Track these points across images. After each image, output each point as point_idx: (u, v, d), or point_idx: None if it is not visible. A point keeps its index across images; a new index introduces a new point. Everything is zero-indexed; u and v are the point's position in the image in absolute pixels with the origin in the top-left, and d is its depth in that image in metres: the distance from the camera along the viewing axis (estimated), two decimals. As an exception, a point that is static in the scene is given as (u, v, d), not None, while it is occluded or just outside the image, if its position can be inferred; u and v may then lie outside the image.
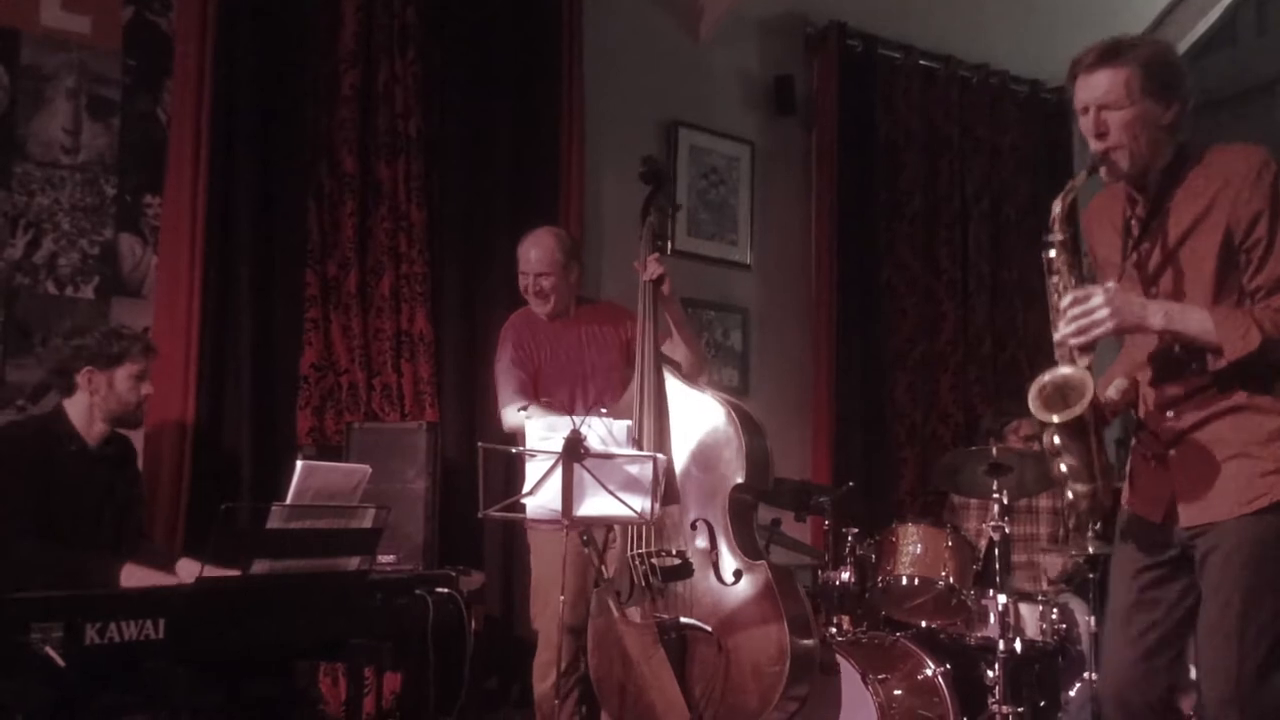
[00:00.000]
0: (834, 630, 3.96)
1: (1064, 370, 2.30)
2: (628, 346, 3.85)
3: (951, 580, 3.95)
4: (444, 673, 3.35)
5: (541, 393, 3.86)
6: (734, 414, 3.45)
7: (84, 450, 3.32)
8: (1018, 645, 3.86)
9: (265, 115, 4.39)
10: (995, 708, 3.79)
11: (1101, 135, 2.37)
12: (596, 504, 3.09)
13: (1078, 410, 2.25)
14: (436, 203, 4.72)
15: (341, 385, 4.47)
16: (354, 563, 3.10)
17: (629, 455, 3.17)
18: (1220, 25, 7.13)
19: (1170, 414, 2.40)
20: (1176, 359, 2.38)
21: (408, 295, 4.61)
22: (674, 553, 3.38)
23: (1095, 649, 3.85)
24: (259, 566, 2.83)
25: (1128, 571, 2.50)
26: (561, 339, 3.98)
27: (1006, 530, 3.93)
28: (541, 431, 3.15)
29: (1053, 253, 2.37)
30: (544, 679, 3.68)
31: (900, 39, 6.07)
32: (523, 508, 3.16)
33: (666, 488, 3.26)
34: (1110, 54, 2.36)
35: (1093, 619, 3.89)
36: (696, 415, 3.49)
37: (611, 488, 3.07)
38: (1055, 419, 2.26)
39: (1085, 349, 2.29)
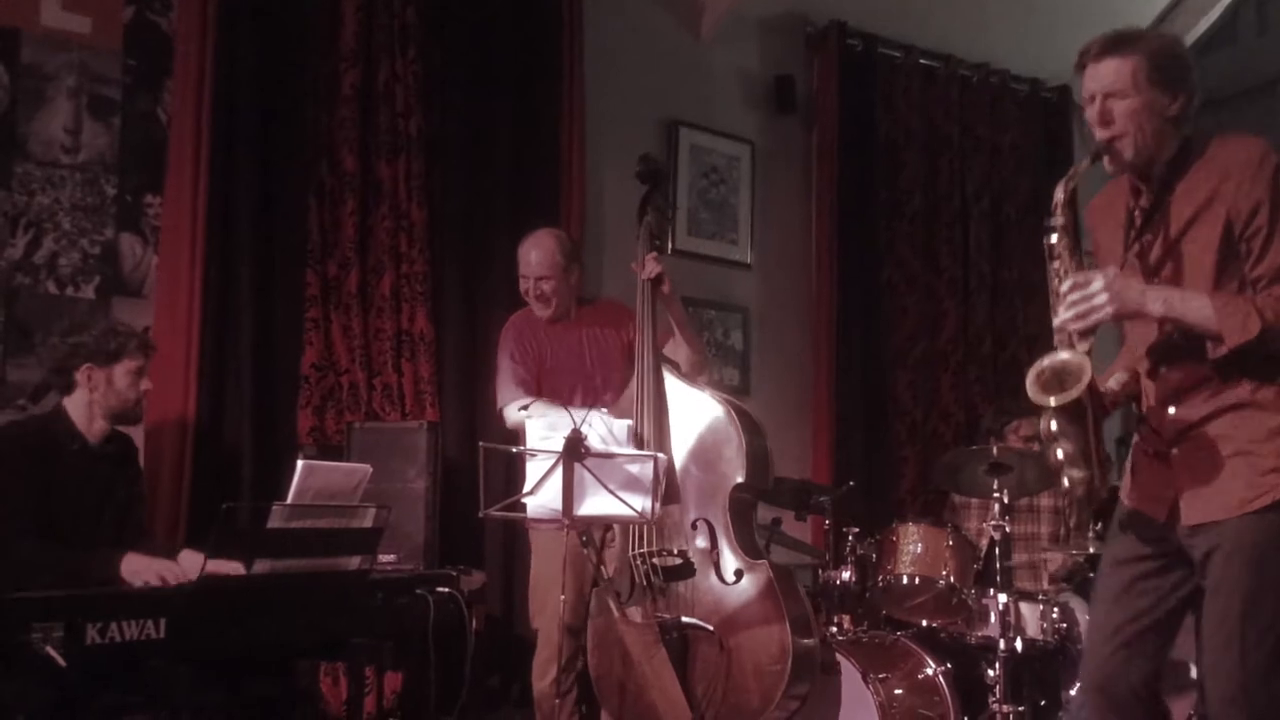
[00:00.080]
0: (834, 629, 3.96)
1: (1062, 355, 2.29)
2: (629, 348, 3.82)
3: (952, 579, 3.94)
4: (445, 672, 3.36)
5: (543, 394, 3.85)
6: (734, 413, 3.45)
7: (85, 448, 3.32)
8: (1018, 644, 3.85)
9: (265, 115, 4.39)
10: (996, 707, 3.79)
11: (1106, 123, 2.37)
12: (597, 503, 3.09)
13: (1074, 393, 2.23)
14: (437, 202, 4.72)
15: (342, 385, 4.47)
16: (355, 562, 3.10)
17: (629, 455, 3.17)
18: (1221, 24, 7.14)
19: (1172, 409, 2.38)
20: (1177, 350, 2.36)
21: (408, 295, 4.60)
22: (675, 552, 3.38)
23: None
24: (260, 566, 2.84)
25: (1120, 559, 2.48)
26: (563, 341, 3.97)
27: (1007, 529, 3.93)
28: (542, 431, 3.15)
29: (1054, 238, 2.36)
30: (543, 677, 3.69)
31: (900, 38, 6.07)
32: (523, 507, 3.16)
33: (667, 487, 3.26)
34: (1117, 43, 2.36)
35: (1093, 619, 3.89)
36: (696, 414, 3.49)
37: (612, 487, 3.07)
38: (1052, 402, 2.25)
39: (1085, 334, 2.28)
